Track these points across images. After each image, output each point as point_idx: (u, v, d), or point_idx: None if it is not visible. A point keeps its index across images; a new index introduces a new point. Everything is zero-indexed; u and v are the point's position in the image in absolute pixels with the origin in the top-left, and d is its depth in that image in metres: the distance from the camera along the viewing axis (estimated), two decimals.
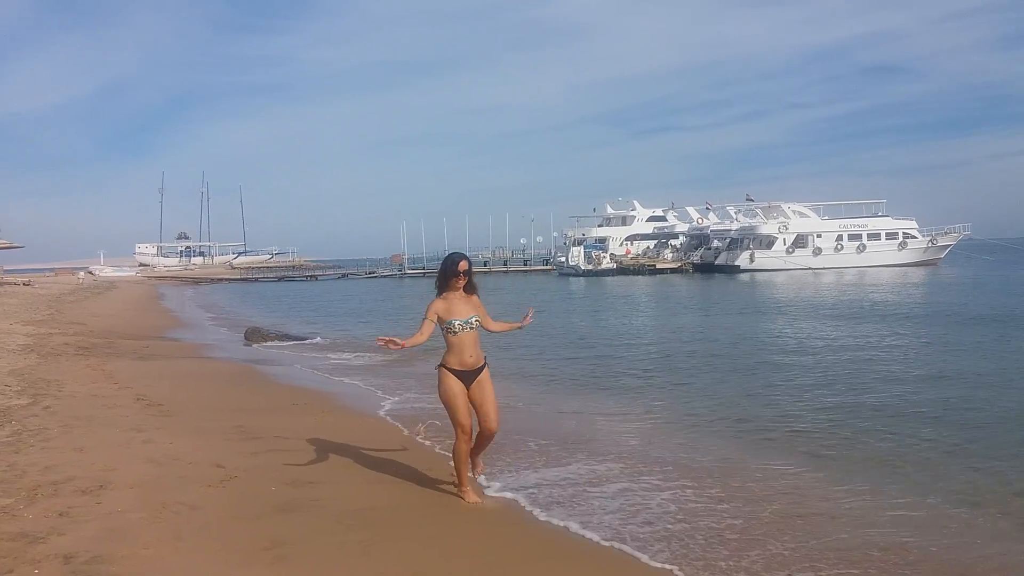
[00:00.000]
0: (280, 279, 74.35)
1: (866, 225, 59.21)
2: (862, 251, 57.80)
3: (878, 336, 17.66)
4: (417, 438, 8.07)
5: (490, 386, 5.67)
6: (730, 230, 61.81)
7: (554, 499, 6.07)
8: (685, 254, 64.99)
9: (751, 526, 5.50)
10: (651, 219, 70.63)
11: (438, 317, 5.53)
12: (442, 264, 5.72)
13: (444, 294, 5.63)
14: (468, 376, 5.57)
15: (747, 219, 62.20)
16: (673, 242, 68.31)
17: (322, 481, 6.26)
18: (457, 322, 5.51)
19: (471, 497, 5.75)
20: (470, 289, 5.69)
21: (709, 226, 66.04)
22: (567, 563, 4.81)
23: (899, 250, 58.24)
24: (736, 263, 57.38)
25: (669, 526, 5.48)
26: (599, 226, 70.58)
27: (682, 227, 69.43)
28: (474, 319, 5.58)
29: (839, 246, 58.04)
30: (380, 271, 74.25)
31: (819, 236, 58.37)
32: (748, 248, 58.26)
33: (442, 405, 5.69)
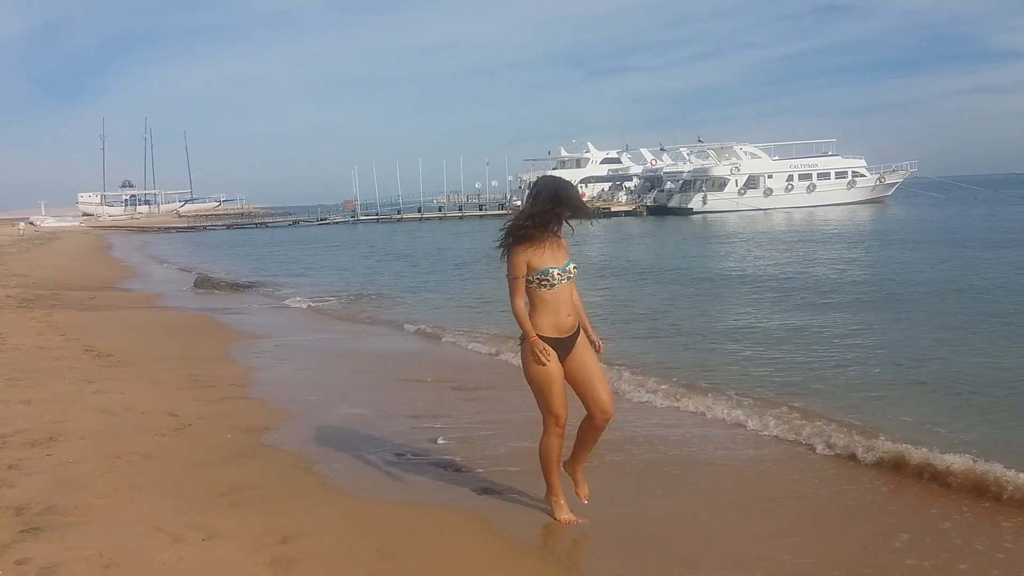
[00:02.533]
0: (229, 227, 72.84)
1: (816, 165, 59.90)
2: (812, 191, 58.58)
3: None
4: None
5: (592, 354, 4.22)
6: (683, 172, 62.05)
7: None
8: (639, 196, 65.17)
9: None
10: (605, 161, 70.57)
11: (527, 268, 4.04)
12: (539, 193, 4.12)
13: (530, 238, 4.06)
14: (564, 345, 4.11)
15: (700, 161, 62.47)
16: (628, 184, 68.40)
17: (279, 426, 6.24)
18: (556, 270, 4.04)
19: (564, 514, 4.29)
20: (568, 228, 4.24)
21: (663, 168, 66.22)
22: None
23: (848, 189, 59.16)
24: (689, 205, 57.77)
25: None
26: (553, 169, 70.13)
27: (636, 169, 69.51)
28: (572, 266, 4.14)
29: (789, 186, 58.73)
30: (332, 218, 73.13)
31: (770, 177, 58.92)
32: (701, 190, 58.61)
33: (530, 387, 4.16)
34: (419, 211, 71.30)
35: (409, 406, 7.07)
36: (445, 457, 5.46)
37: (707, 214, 55.09)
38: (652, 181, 66.08)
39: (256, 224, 75.67)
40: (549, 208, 4.05)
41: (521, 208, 4.20)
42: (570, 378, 4.14)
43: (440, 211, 71.43)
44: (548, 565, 3.89)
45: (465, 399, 7.41)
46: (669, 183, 63.31)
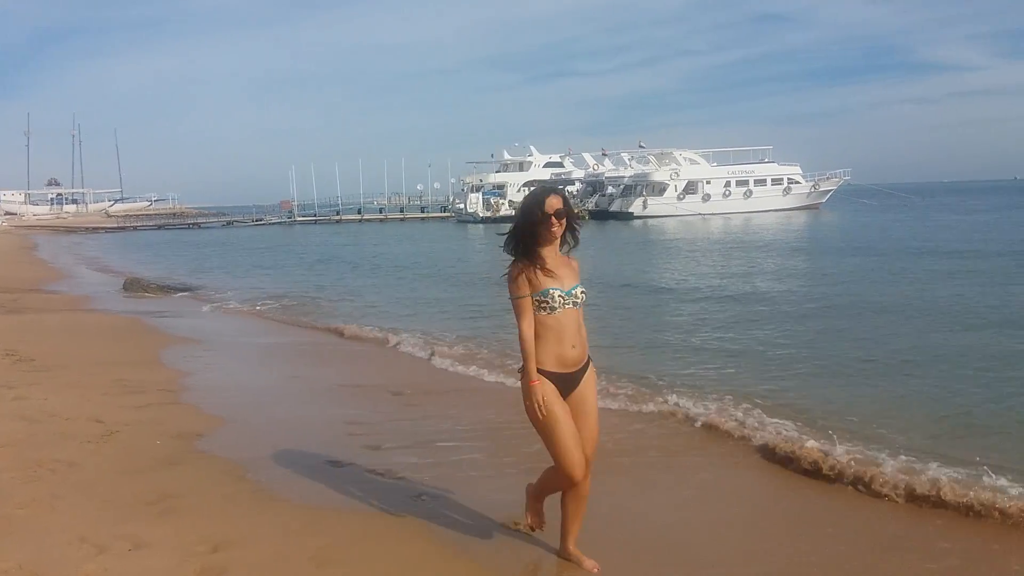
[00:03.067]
0: (160, 227, 70.78)
1: (753, 171, 61.23)
2: (749, 196, 59.84)
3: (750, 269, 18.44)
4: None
5: (593, 397, 3.73)
6: (624, 177, 62.78)
7: None
8: (581, 200, 65.60)
9: None
10: (548, 165, 70.88)
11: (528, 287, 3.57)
12: (522, 205, 3.75)
13: (530, 253, 3.62)
14: (568, 381, 3.61)
15: (641, 166, 63.29)
16: (570, 188, 68.78)
17: (211, 432, 6.09)
18: (557, 292, 3.56)
19: (532, 522, 4.07)
20: (568, 246, 3.77)
21: (604, 173, 66.87)
22: None
23: (784, 195, 60.61)
24: (630, 210, 58.45)
25: None
26: (496, 172, 70.35)
27: (579, 173, 70.04)
28: (579, 290, 3.66)
29: (727, 192, 59.91)
30: (268, 218, 71.82)
31: (708, 183, 60.00)
32: (641, 195, 59.38)
33: (536, 430, 3.64)
34: (359, 212, 70.56)
35: (346, 412, 6.98)
36: (382, 463, 5.39)
37: (647, 218, 55.83)
38: (594, 186, 66.68)
39: (189, 225, 73.79)
40: (524, 227, 3.63)
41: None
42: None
43: (381, 213, 70.76)
44: (487, 570, 3.87)
45: (404, 404, 7.35)
46: (611, 188, 63.97)
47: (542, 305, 3.54)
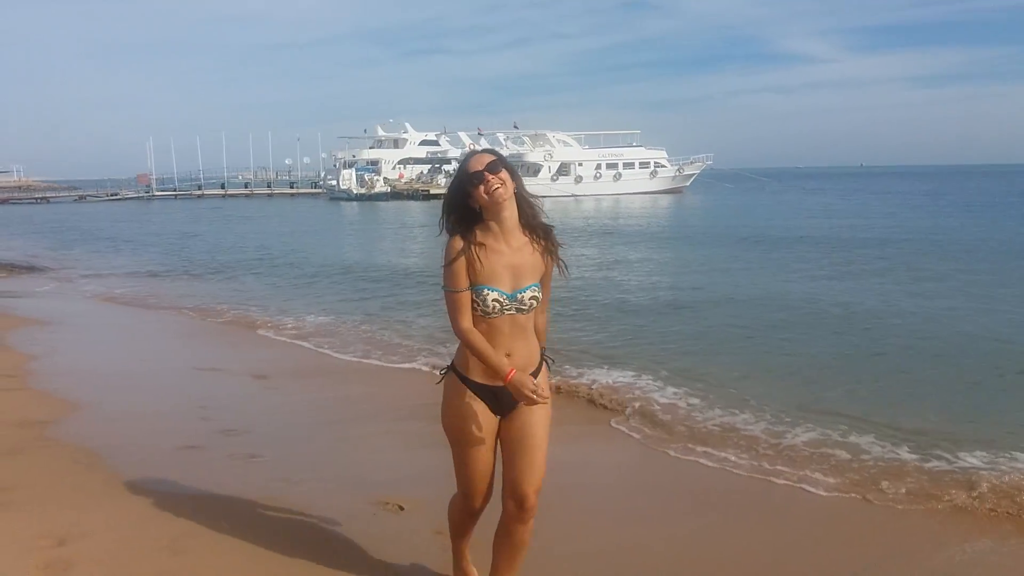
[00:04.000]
0: (4, 202, 65.38)
1: (622, 155, 63.07)
2: (618, 179, 61.62)
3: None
4: None
5: (542, 421, 2.91)
6: None
7: None
8: None
9: None
10: (423, 143, 70.26)
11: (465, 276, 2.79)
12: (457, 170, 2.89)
13: (474, 229, 2.81)
14: (501, 396, 2.87)
15: (515, 147, 63.77)
16: (447, 167, 68.56)
17: (61, 419, 5.76)
18: (493, 296, 2.78)
19: None
20: (529, 221, 2.88)
21: None
22: None
23: (651, 178, 62.78)
24: None
25: None
26: (371, 148, 69.14)
27: (455, 152, 69.68)
28: (531, 292, 2.82)
29: (598, 174, 61.45)
30: (124, 192, 67.77)
31: (580, 165, 61.34)
32: None
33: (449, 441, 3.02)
34: (223, 187, 67.66)
35: (203, 396, 6.77)
36: (241, 448, 5.28)
37: None
38: None
39: (36, 199, 68.50)
40: (456, 193, 2.81)
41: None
42: (502, 441, 2.94)
43: (247, 188, 68.21)
44: (352, 549, 3.89)
45: (266, 388, 7.20)
46: None
47: (473, 304, 2.76)
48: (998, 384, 7.34)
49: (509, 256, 2.79)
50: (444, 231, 2.84)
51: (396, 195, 59.32)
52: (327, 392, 7.02)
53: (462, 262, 2.75)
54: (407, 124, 71.23)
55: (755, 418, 6.16)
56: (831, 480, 4.96)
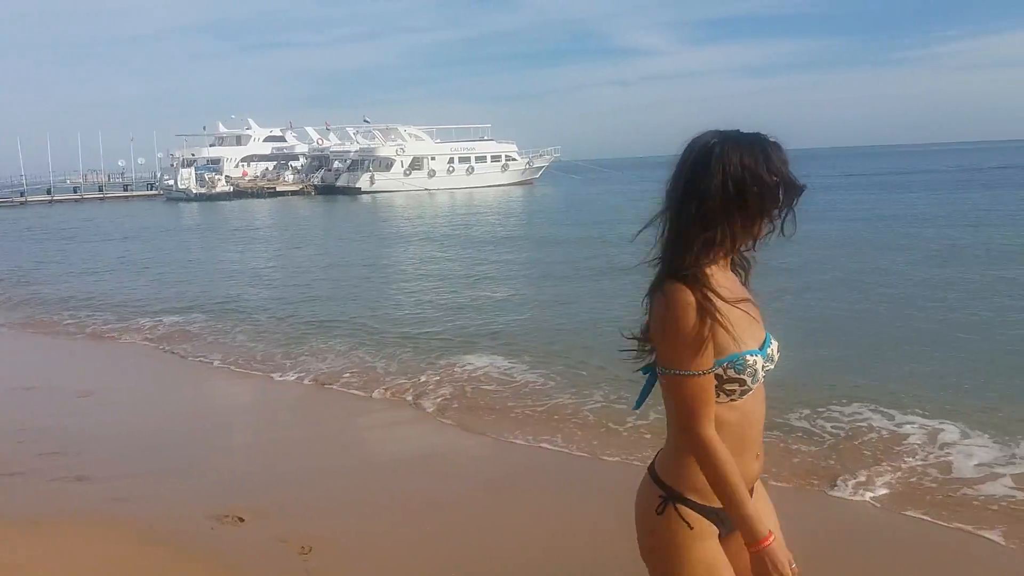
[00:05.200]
0: None
1: (474, 148, 63.55)
2: (471, 173, 62.03)
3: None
4: None
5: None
6: (350, 152, 62.05)
7: None
8: (306, 176, 63.86)
9: None
10: (268, 139, 67.87)
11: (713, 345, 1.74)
12: (715, 157, 1.73)
13: (707, 266, 1.77)
14: (727, 523, 1.84)
15: (366, 141, 62.88)
16: (293, 163, 66.60)
17: None
18: (755, 356, 1.79)
19: None
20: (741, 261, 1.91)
21: (330, 147, 65.54)
22: None
23: (502, 172, 63.60)
24: (357, 185, 58.03)
25: None
26: (211, 146, 66.02)
27: (302, 148, 67.86)
28: (774, 345, 1.88)
29: (451, 168, 61.59)
30: None
31: (433, 159, 61.26)
32: (368, 170, 59.14)
33: None
34: (48, 193, 62.50)
35: (25, 416, 6.31)
36: (67, 471, 4.98)
37: (375, 194, 55.79)
38: (319, 160, 65.05)
39: None
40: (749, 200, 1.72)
41: (671, 207, 1.80)
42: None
43: (76, 192, 63.44)
44: (191, 566, 3.77)
45: (97, 404, 6.80)
46: (337, 163, 62.91)
47: (727, 384, 1.77)
48: None
49: (737, 302, 1.80)
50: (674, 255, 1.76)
51: (240, 194, 57.01)
52: (160, 404, 6.72)
53: (708, 325, 1.70)
54: (250, 120, 68.58)
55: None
56: None
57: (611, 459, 5.16)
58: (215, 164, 61.49)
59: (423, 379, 7.15)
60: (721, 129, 1.79)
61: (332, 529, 4.09)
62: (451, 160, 61.93)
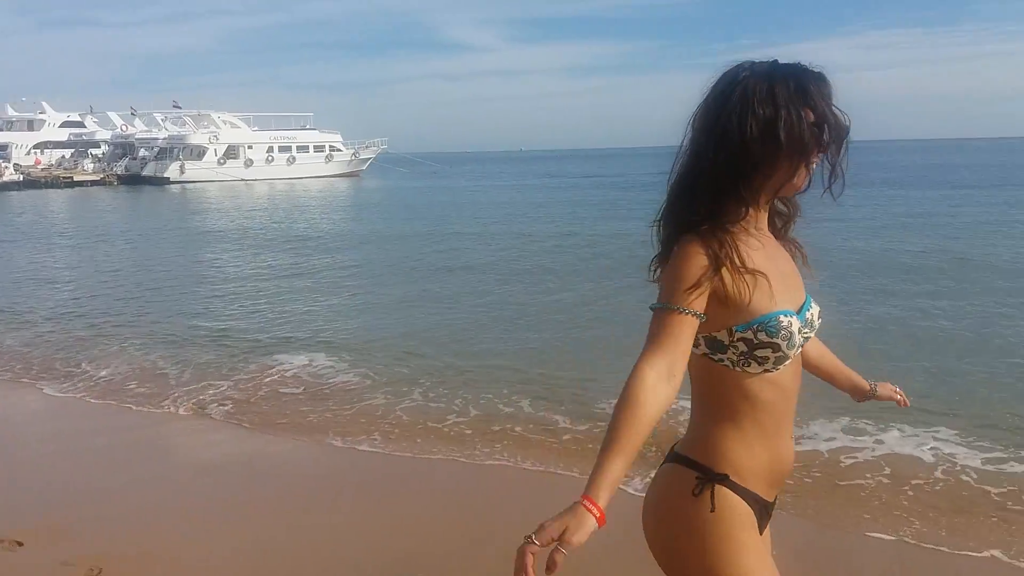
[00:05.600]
0: None
1: (295, 137, 61.49)
2: (292, 163, 59.97)
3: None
4: None
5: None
6: (158, 139, 58.15)
7: None
8: (108, 164, 58.98)
9: None
10: (65, 124, 62.28)
11: (711, 306, 1.51)
12: (738, 93, 1.49)
13: (731, 223, 1.54)
14: (767, 512, 1.64)
15: (176, 128, 59.26)
16: (94, 151, 61.35)
17: None
18: (792, 317, 1.55)
19: None
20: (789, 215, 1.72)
21: (135, 134, 61.06)
22: None
23: (326, 162, 62.00)
24: (166, 175, 54.42)
25: None
26: None
27: (104, 134, 62.72)
28: (814, 309, 1.63)
29: (270, 158, 59.27)
30: None
31: (250, 147, 58.65)
32: (178, 159, 55.65)
33: None
34: None
35: None
36: None
37: (186, 184, 52.56)
38: (123, 148, 60.35)
39: None
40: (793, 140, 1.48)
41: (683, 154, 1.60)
42: None
43: None
44: None
45: None
46: (143, 150, 58.67)
47: (759, 351, 1.53)
48: None
49: (778, 260, 1.62)
50: (668, 217, 1.59)
51: (32, 184, 51.76)
52: None
53: (709, 271, 1.49)
54: (44, 103, 62.62)
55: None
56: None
57: (434, 457, 5.07)
58: (3, 151, 55.60)
59: (222, 385, 6.73)
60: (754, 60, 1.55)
61: (124, 547, 3.75)
62: (270, 149, 59.63)
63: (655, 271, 1.63)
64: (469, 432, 5.48)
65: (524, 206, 29.73)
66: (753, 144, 1.47)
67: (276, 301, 11.24)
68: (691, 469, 1.58)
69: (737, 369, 1.55)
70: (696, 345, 1.52)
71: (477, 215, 25.91)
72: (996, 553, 3.69)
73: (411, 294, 11.47)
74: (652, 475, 1.69)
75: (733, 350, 1.54)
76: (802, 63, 1.51)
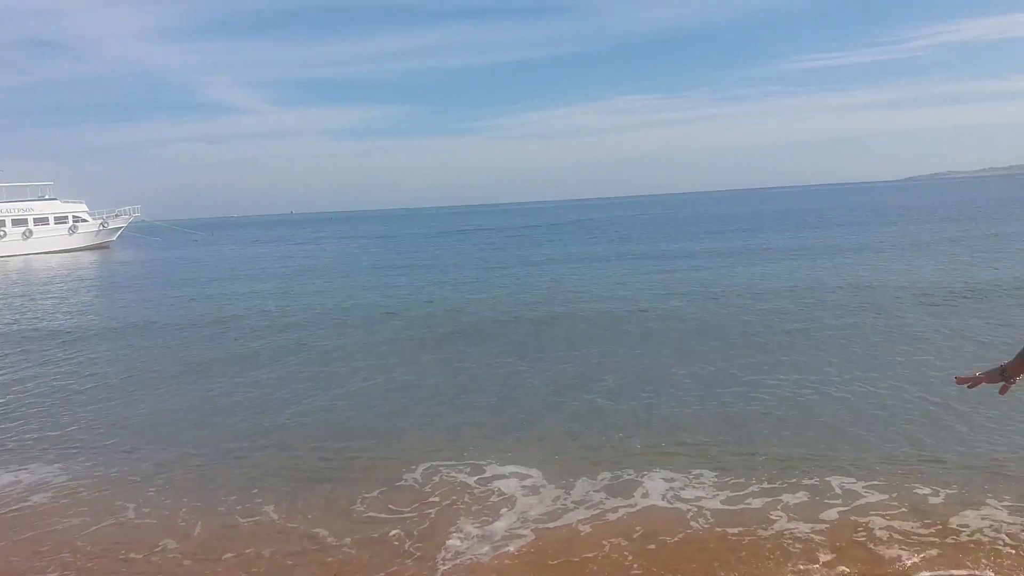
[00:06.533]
0: None
1: (32, 209, 56.00)
2: (29, 237, 54.53)
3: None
4: None
5: None
6: None
7: None
8: None
9: None
10: None
11: None
12: None
13: None
14: None
15: None
16: None
17: None
18: None
19: None
20: None
21: None
22: None
23: (70, 234, 56.99)
24: None
25: None
26: None
27: None
28: None
29: (3, 232, 53.56)
30: None
31: None
32: None
33: None
34: None
35: None
36: None
37: None
38: None
39: None
40: None
41: None
42: None
43: None
44: None
45: None
46: None
47: None
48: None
49: None
50: None
51: None
52: None
53: None
54: None
55: None
56: None
57: None
58: None
59: None
60: None
61: None
62: (3, 223, 53.82)
63: None
64: None
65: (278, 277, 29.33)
66: None
67: None
68: None
69: None
70: None
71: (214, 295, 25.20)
72: None
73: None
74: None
75: None
76: None
